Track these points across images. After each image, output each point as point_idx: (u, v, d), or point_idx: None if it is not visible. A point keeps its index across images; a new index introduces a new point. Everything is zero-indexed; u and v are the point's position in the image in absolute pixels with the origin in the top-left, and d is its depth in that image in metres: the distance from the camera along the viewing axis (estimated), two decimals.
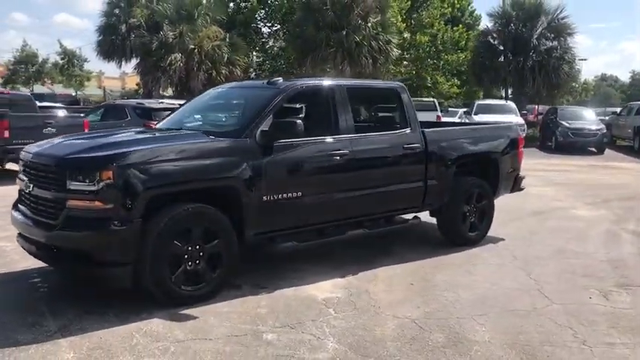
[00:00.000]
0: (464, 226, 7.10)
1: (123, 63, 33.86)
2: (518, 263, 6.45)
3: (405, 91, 6.74)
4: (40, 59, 48.04)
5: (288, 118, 5.47)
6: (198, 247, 4.93)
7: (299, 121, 5.36)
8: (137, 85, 41.01)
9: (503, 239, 7.51)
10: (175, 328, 4.44)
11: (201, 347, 4.09)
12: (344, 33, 27.96)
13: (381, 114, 6.93)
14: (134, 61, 32.11)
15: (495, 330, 4.48)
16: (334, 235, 6.06)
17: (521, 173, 7.99)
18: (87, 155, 4.80)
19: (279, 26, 36.67)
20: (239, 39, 31.58)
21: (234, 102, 6.81)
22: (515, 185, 7.86)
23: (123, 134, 5.81)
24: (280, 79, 6.07)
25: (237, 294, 5.22)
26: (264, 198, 5.30)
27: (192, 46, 28.77)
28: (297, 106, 5.69)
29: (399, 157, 6.47)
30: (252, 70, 36.08)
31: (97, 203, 4.54)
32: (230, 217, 5.13)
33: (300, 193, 5.56)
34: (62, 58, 49.78)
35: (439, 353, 4.06)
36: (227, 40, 30.57)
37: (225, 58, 29.67)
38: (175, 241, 4.78)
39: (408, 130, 6.60)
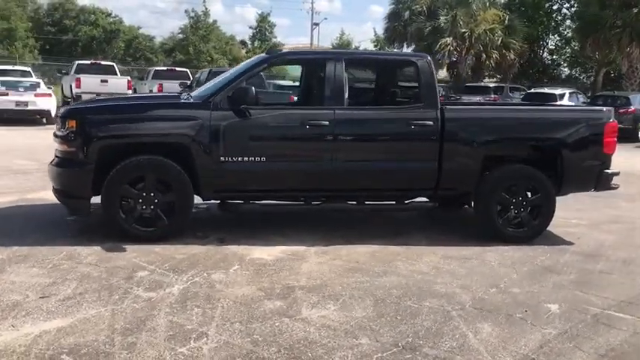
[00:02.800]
0: (501, 220, 6.22)
1: (404, 49, 35.30)
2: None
3: (428, 66, 6.19)
4: (352, 47, 52.91)
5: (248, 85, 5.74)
6: (152, 194, 5.64)
7: (251, 88, 5.59)
8: None
9: (570, 243, 6.33)
10: (90, 254, 5.28)
11: (78, 269, 4.87)
12: (634, 11, 24.35)
13: (388, 88, 6.50)
14: (412, 48, 33.18)
15: None
16: (307, 204, 6.07)
17: (614, 169, 6.50)
18: (67, 109, 5.92)
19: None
20: (518, 21, 30.02)
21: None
22: (600, 182, 6.45)
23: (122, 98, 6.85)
24: (281, 50, 6.28)
25: (187, 241, 5.77)
26: (222, 159, 5.70)
27: (464, 30, 28.52)
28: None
29: (403, 133, 6.06)
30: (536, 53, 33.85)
31: (65, 146, 5.64)
32: (190, 174, 5.70)
33: (263, 159, 5.78)
34: (375, 46, 53.97)
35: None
36: (505, 22, 29.40)
37: (499, 41, 28.59)
38: (126, 185, 5.59)
39: (419, 106, 6.10)
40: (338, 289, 4.69)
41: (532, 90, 24.67)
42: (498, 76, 32.21)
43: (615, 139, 6.36)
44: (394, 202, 6.26)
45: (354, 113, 6.04)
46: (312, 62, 6.48)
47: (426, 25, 29.75)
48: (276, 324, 3.94)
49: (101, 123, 5.60)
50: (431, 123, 5.99)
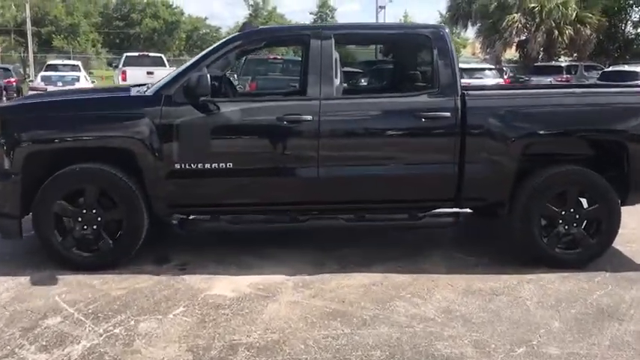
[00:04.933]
0: (547, 239, 4.74)
1: (468, 28, 33.15)
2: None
3: (443, 40, 4.73)
4: None
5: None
6: (94, 211, 4.55)
7: (205, 75, 4.35)
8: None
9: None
10: (10, 287, 4.25)
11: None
12: None
13: (391, 70, 5.08)
14: (477, 27, 31.04)
15: None
16: (287, 222, 4.79)
17: None
18: None
19: None
20: None
21: None
22: None
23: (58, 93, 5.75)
24: (256, 25, 5.01)
25: (138, 269, 4.65)
26: (177, 165, 4.53)
27: (534, 5, 26.16)
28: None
29: (411, 128, 4.67)
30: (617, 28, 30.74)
31: None
32: (140, 186, 4.57)
33: (230, 164, 4.56)
34: None
35: None
36: None
37: (574, 16, 26.04)
38: (62, 201, 4.52)
39: (433, 93, 4.68)
40: (299, 349, 3.42)
41: (610, 68, 22.14)
42: (573, 55, 29.44)
43: None
44: (404, 217, 4.85)
45: (346, 104, 4.71)
46: (294, 40, 5.21)
47: (492, 1, 27.49)
48: None
49: (27, 124, 4.53)
50: (448, 114, 4.57)
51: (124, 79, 21.40)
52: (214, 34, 56.86)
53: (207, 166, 4.54)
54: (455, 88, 4.63)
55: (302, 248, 5.09)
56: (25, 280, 4.43)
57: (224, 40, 4.88)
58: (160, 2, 54.95)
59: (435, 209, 4.90)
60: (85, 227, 4.54)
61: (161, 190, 4.55)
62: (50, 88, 16.92)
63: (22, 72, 31.28)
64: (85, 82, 18.47)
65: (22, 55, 49.13)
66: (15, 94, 20.47)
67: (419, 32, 4.94)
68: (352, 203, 4.81)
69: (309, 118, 4.51)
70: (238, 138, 4.64)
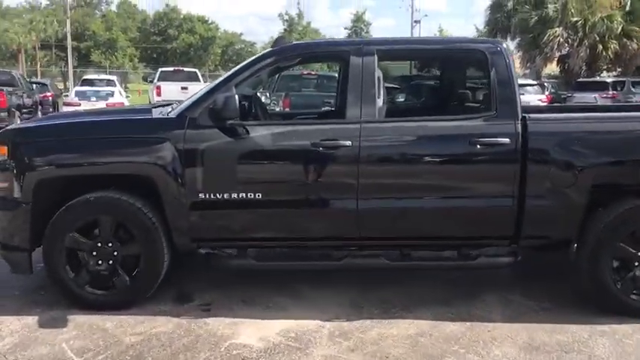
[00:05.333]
0: (621, 283, 4.13)
1: (508, 42, 32.22)
2: None
3: (501, 56, 4.17)
4: None
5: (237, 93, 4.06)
6: (109, 245, 4.11)
7: (231, 97, 3.90)
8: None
9: None
10: (15, 330, 3.82)
11: None
12: None
13: (442, 90, 4.54)
14: (516, 41, 30.19)
15: None
16: (322, 259, 4.27)
17: None
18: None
19: None
20: None
21: None
22: None
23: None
24: (290, 40, 4.55)
25: (157, 309, 4.19)
26: (201, 195, 4.07)
27: (577, 19, 25.28)
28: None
29: (463, 156, 4.12)
30: None
31: None
32: (161, 217, 4.13)
33: (259, 195, 4.07)
34: None
35: None
36: (627, 7, 25.82)
37: (619, 30, 25.07)
38: (74, 234, 4.10)
39: (490, 116, 4.12)
40: None
41: None
42: (617, 70, 28.36)
43: None
44: (454, 256, 4.28)
45: (390, 128, 4.18)
46: (332, 56, 4.72)
47: (532, 14, 26.68)
48: None
49: (38, 148, 4.13)
50: (507, 140, 4.01)
51: (159, 95, 21.28)
52: (249, 50, 57.12)
53: (235, 196, 4.07)
54: (515, 110, 4.07)
55: (338, 287, 4.56)
56: (32, 320, 4.01)
57: (255, 57, 4.43)
58: (196, 18, 55.50)
59: (489, 247, 4.30)
60: (100, 263, 4.12)
61: (184, 222, 4.10)
62: (84, 104, 16.83)
63: (63, 86, 31.74)
64: (119, 97, 18.35)
65: (62, 69, 50.10)
66: (51, 109, 20.54)
67: (473, 47, 4.39)
68: (395, 239, 4.27)
69: (348, 143, 4.01)
70: (269, 165, 4.16)
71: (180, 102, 4.66)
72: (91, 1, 61.51)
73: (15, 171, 4.08)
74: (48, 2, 57.99)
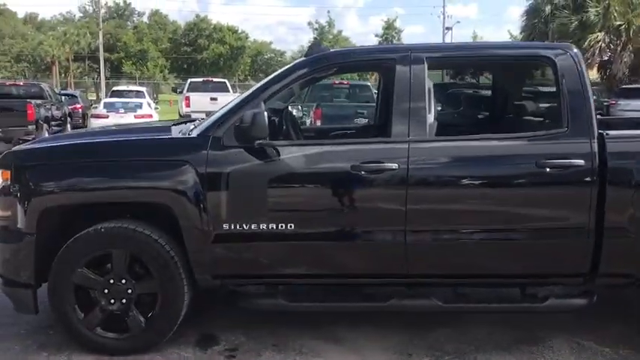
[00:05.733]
0: None
1: None
2: None
3: (573, 63, 3.57)
4: None
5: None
6: (123, 282, 3.63)
7: (259, 113, 3.38)
8: None
9: None
10: None
11: None
12: None
13: (503, 104, 3.97)
14: None
15: None
16: (364, 300, 3.71)
17: None
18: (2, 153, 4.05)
19: None
20: None
21: None
22: None
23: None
24: (326, 47, 4.02)
25: (175, 354, 3.68)
26: (226, 226, 3.56)
27: (619, 23, 24.27)
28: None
29: (529, 181, 3.53)
30: None
31: None
32: (180, 250, 3.64)
33: (291, 226, 3.55)
34: None
35: None
36: None
37: None
38: (84, 269, 3.62)
39: (560, 134, 3.53)
40: None
41: None
42: None
43: None
44: (518, 297, 3.68)
45: (443, 149, 3.60)
46: (373, 65, 4.18)
47: (572, 19, 25.70)
48: None
49: (44, 173, 3.67)
50: (581, 162, 3.41)
51: (188, 106, 21.05)
52: (279, 59, 57.02)
53: (264, 226, 3.55)
54: (590, 126, 3.48)
55: (381, 329, 3.99)
56: None
57: (287, 67, 3.90)
58: (225, 27, 55.62)
59: (557, 285, 3.69)
60: (112, 302, 3.63)
61: (206, 256, 3.60)
62: (112, 116, 16.59)
63: (96, 97, 31.81)
64: (147, 109, 18.08)
65: (94, 80, 50.71)
66: (80, 121, 20.44)
67: (539, 53, 3.79)
68: (449, 277, 3.69)
69: (394, 166, 3.46)
70: (303, 192, 3.63)
71: (203, 118, 4.16)
72: (123, 13, 62.39)
73: (18, 198, 3.62)
74: (82, 15, 59.03)
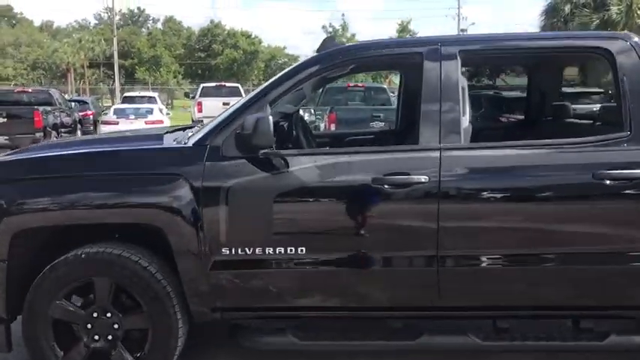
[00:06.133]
0: None
1: None
2: None
3: (635, 53, 3.02)
4: None
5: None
6: (108, 315, 3.12)
7: (263, 119, 2.87)
8: None
9: None
10: None
11: None
12: None
13: (550, 104, 3.39)
14: None
15: None
16: (388, 337, 3.16)
17: None
18: None
19: None
20: None
21: None
22: None
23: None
24: (342, 42, 3.48)
25: None
26: (226, 250, 3.04)
27: None
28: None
29: (583, 194, 2.98)
30: None
31: None
32: (173, 279, 3.13)
33: (302, 250, 3.02)
34: None
35: None
36: None
37: None
38: (62, 302, 3.12)
39: (620, 139, 2.96)
40: None
41: None
42: None
43: None
44: (570, 332, 3.11)
45: (482, 158, 3.04)
46: (397, 61, 3.63)
47: (593, 18, 24.95)
48: None
49: (16, 190, 3.17)
50: None
51: (200, 111, 20.64)
52: (293, 63, 56.73)
53: (271, 251, 3.03)
54: None
55: None
56: None
57: (296, 65, 3.37)
58: (239, 32, 55.37)
59: (619, 319, 3.12)
60: (96, 339, 3.12)
61: (203, 285, 3.09)
62: (122, 122, 16.21)
63: (111, 103, 31.61)
64: (158, 114, 17.66)
65: (109, 87, 50.73)
66: (91, 127, 20.11)
67: (594, 44, 3.21)
68: (487, 309, 3.12)
69: (424, 179, 2.92)
70: (315, 210, 3.10)
71: (202, 125, 3.66)
72: (138, 20, 62.46)
73: None
74: (97, 22, 59.18)
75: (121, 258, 3.08)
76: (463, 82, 3.12)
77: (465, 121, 3.09)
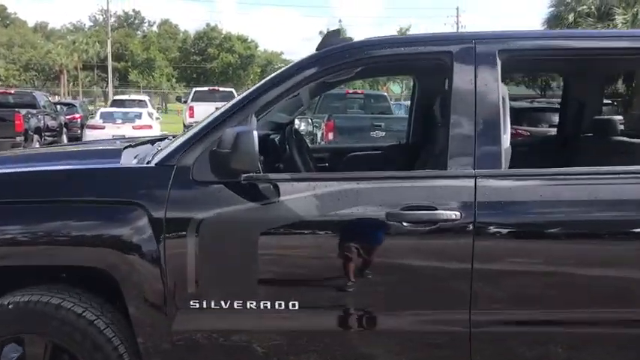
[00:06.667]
0: None
1: None
2: None
3: None
4: None
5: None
6: None
7: (246, 133, 2.17)
8: None
9: None
10: None
11: None
12: None
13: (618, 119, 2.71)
14: None
15: None
16: None
17: None
18: None
19: None
20: None
21: None
22: None
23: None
24: (349, 38, 2.78)
25: None
26: (194, 303, 2.33)
27: None
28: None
29: None
30: None
31: None
32: (127, 336, 2.43)
33: (294, 304, 2.32)
34: None
35: None
36: None
37: None
38: None
39: None
40: None
41: None
42: None
43: None
44: None
45: (530, 187, 2.34)
46: (417, 63, 2.92)
47: (597, 27, 24.44)
48: None
49: None
50: None
51: (191, 116, 19.92)
52: None
53: (253, 305, 2.34)
54: None
55: None
56: None
57: (290, 66, 2.63)
58: (235, 37, 54.73)
59: None
60: None
61: (165, 345, 2.38)
62: (109, 126, 15.47)
63: (104, 105, 30.89)
64: (147, 119, 16.91)
65: (103, 89, 50.07)
66: (79, 131, 19.38)
67: None
68: None
69: (454, 215, 2.22)
70: (312, 253, 2.39)
71: (172, 138, 2.95)
72: (133, 22, 61.79)
73: None
74: (92, 24, 58.51)
75: (60, 310, 2.37)
76: (504, 91, 2.42)
77: (506, 140, 2.40)
